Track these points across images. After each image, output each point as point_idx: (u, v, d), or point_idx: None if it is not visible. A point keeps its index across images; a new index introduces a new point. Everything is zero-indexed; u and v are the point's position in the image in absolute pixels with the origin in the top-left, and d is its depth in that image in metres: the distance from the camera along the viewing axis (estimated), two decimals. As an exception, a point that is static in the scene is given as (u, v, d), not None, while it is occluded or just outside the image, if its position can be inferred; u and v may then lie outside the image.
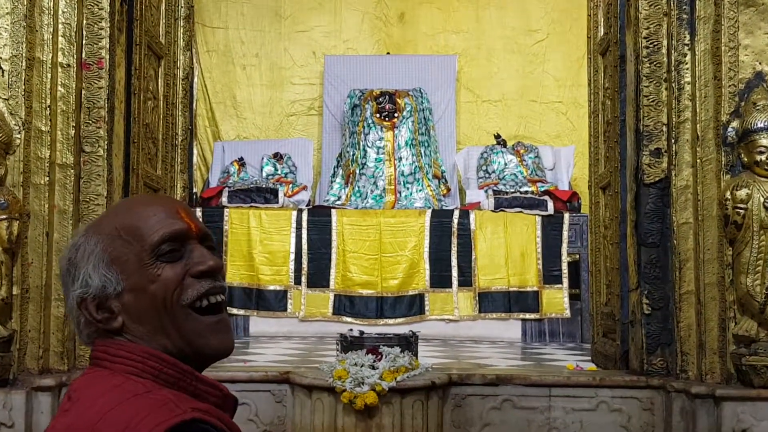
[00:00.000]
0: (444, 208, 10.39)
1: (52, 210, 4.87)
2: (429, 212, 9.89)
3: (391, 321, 9.45)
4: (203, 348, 1.34)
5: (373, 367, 4.86)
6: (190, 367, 1.32)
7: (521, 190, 10.16)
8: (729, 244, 4.73)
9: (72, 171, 4.96)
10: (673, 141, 5.02)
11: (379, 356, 4.98)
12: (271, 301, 9.60)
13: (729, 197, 4.67)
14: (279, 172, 10.92)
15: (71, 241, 1.39)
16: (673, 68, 5.02)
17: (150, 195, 1.39)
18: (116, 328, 1.32)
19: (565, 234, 9.62)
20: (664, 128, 5.08)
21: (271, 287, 9.63)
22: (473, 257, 9.62)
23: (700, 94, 4.91)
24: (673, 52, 5.02)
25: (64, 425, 1.25)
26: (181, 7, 6.66)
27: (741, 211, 4.63)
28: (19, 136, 4.74)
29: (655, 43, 5.11)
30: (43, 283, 4.81)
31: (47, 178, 4.86)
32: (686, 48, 5.00)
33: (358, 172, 10.89)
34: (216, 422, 1.24)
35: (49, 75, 4.89)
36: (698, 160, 4.92)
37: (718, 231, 4.80)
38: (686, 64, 4.99)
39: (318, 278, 9.66)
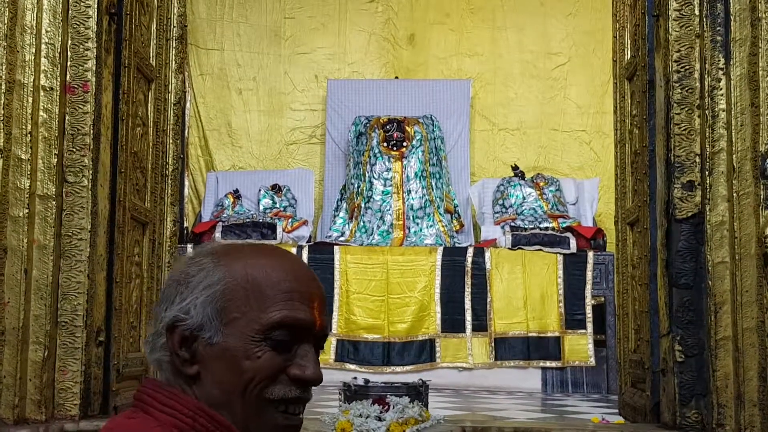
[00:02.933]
0: (457, 245, 10.39)
1: (31, 245, 4.88)
2: (440, 250, 9.90)
3: (398, 368, 9.42)
4: None
5: (379, 419, 4.84)
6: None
7: (541, 226, 10.17)
8: (769, 285, 4.72)
9: (53, 203, 4.98)
10: (707, 173, 5.03)
11: (386, 407, 4.96)
12: (268, 347, 9.57)
13: (769, 234, 4.66)
14: (277, 205, 10.96)
15: (198, 254, 1.31)
16: (706, 94, 5.04)
17: (293, 256, 1.32)
18: (189, 374, 1.27)
19: (589, 274, 9.61)
20: (697, 159, 5.09)
21: (268, 331, 9.61)
22: (489, 299, 9.60)
23: (736, 122, 4.92)
24: (706, 76, 5.04)
25: None
26: (174, 26, 6.71)
27: (782, 249, 4.62)
28: (-4, 164, 4.77)
29: (687, 67, 5.13)
30: (21, 325, 4.80)
31: (26, 211, 4.87)
32: (721, 72, 5.02)
33: (363, 205, 10.91)
34: None
35: (30, 99, 4.92)
36: (735, 194, 4.92)
37: (756, 271, 4.78)
38: (721, 89, 5.01)
39: (319, 321, 9.63)
